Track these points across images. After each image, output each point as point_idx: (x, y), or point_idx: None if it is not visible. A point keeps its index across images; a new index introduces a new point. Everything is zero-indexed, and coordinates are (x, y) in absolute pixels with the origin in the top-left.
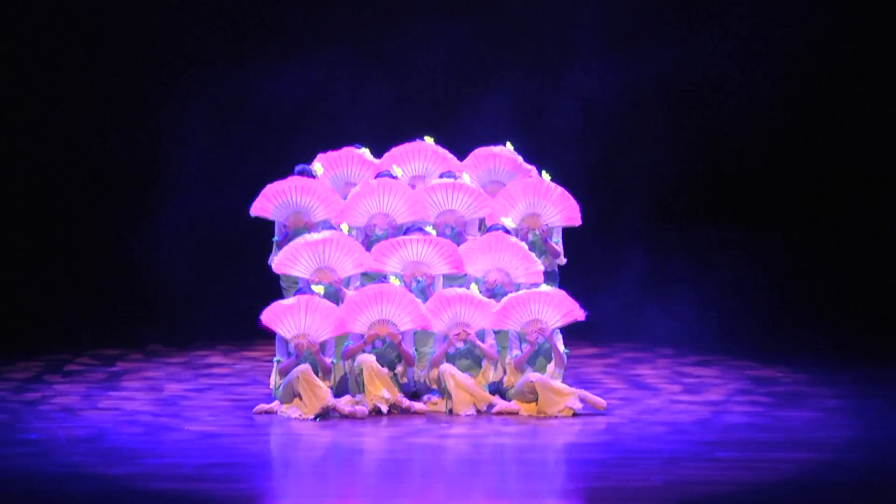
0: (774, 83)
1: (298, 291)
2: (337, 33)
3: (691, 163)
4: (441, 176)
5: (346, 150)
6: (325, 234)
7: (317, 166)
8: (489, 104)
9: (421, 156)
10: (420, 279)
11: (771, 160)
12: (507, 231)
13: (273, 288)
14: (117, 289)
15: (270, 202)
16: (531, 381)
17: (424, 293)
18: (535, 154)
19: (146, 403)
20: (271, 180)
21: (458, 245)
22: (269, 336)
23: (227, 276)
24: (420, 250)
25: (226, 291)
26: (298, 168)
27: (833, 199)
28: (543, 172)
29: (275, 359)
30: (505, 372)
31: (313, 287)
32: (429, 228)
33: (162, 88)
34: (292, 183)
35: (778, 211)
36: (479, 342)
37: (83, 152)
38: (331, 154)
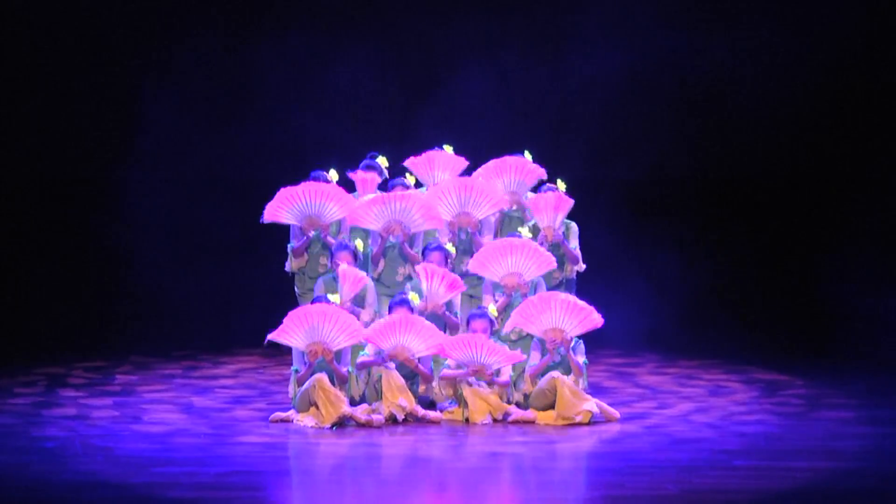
0: (777, 86)
1: (316, 300)
2: (330, 13)
3: (674, 160)
4: (427, 248)
5: (362, 176)
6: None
7: (332, 173)
8: (481, 88)
9: (440, 165)
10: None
11: (763, 162)
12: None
13: (267, 293)
14: (80, 296)
15: (283, 207)
16: (553, 378)
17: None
18: (529, 143)
19: (161, 413)
20: (253, 182)
21: (474, 248)
22: (248, 345)
23: (195, 281)
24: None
25: (193, 297)
26: (313, 175)
27: (818, 201)
28: (559, 181)
29: (292, 368)
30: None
31: (329, 297)
32: (448, 246)
33: (149, 87)
34: (304, 188)
35: (760, 211)
36: (495, 378)
37: (48, 149)
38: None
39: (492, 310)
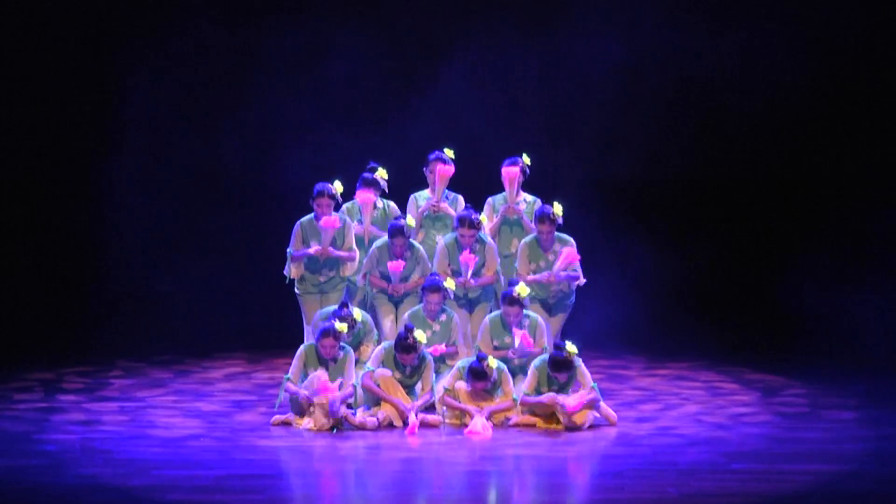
0: (763, 89)
1: (336, 313)
2: (326, 7)
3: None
4: (460, 217)
5: (363, 197)
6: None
7: (337, 184)
8: (475, 84)
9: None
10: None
11: (751, 162)
12: (522, 305)
13: (252, 295)
14: (59, 298)
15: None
16: (546, 403)
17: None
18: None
19: (160, 416)
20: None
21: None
22: (234, 347)
23: (179, 282)
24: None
25: (177, 299)
26: (318, 187)
27: (809, 202)
28: (555, 204)
29: (286, 375)
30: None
31: (354, 310)
32: (448, 282)
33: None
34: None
35: (747, 213)
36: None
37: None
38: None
39: (491, 362)
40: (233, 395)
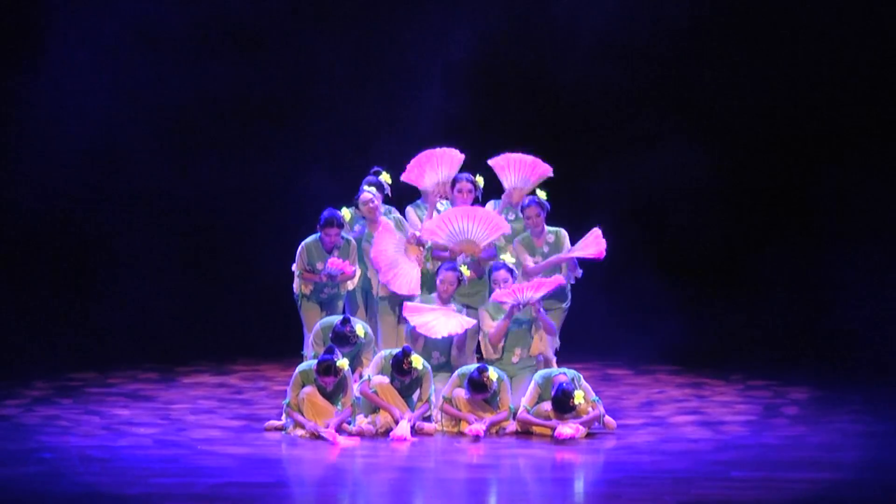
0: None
1: (338, 328)
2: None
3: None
4: (456, 176)
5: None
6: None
7: (345, 211)
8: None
9: (447, 163)
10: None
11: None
12: (511, 270)
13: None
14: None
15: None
16: (546, 410)
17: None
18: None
19: (155, 424)
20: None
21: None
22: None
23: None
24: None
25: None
26: (327, 216)
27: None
28: (537, 191)
29: (285, 401)
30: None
31: (357, 325)
32: (462, 268)
33: None
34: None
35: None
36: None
37: None
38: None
39: (491, 374)
40: (229, 403)
